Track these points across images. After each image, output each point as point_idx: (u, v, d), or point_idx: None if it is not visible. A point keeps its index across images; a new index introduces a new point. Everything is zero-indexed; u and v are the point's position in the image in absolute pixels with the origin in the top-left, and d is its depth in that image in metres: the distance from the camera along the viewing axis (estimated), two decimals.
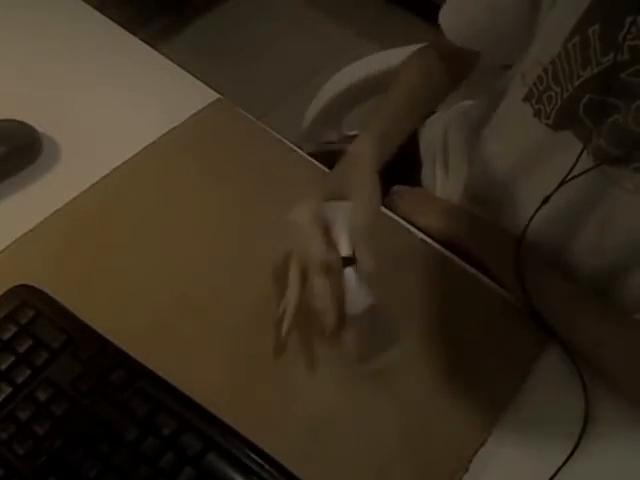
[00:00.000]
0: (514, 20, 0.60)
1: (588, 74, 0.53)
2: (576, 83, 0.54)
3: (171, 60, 0.77)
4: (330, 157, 0.61)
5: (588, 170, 0.53)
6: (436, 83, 0.69)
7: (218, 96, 0.73)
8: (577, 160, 0.53)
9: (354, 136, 0.59)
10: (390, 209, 0.67)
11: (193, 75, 0.75)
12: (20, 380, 0.49)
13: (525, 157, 0.64)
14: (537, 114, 0.59)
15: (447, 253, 0.63)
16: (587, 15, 0.52)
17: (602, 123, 0.54)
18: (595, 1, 0.51)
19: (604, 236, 0.59)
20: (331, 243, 0.51)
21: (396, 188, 0.78)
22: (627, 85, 0.51)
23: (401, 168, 0.86)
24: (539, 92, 0.58)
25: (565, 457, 0.51)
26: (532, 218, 0.56)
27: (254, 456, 0.48)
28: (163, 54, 0.77)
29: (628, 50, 0.50)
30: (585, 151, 0.55)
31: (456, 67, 0.70)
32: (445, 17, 0.66)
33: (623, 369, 0.54)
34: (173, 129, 0.69)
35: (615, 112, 0.52)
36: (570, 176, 0.54)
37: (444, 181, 0.82)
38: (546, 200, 0.56)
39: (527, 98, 0.60)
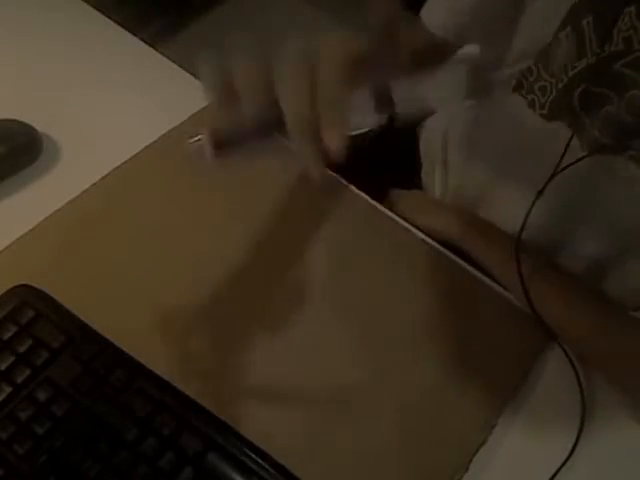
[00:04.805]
0: (498, 11, 0.60)
1: (583, 65, 0.53)
2: (571, 73, 0.54)
3: (171, 60, 0.77)
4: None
5: (579, 160, 0.54)
6: None
7: None
8: (565, 149, 0.53)
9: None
10: (390, 209, 0.67)
11: (193, 75, 0.75)
12: (20, 380, 0.49)
13: (519, 149, 0.64)
14: (531, 105, 0.59)
15: (447, 253, 0.63)
16: (579, 6, 0.52)
17: (595, 114, 0.54)
18: None
19: (603, 226, 0.60)
20: None
21: (394, 192, 0.78)
22: (621, 76, 0.51)
23: (401, 168, 0.86)
24: (529, 83, 0.58)
25: (566, 456, 0.51)
26: (529, 212, 0.56)
27: (254, 456, 0.48)
28: (163, 54, 0.77)
29: (622, 41, 0.50)
30: (580, 143, 0.55)
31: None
32: (428, 10, 0.66)
33: (623, 368, 0.55)
34: (173, 129, 0.69)
35: (608, 103, 0.52)
36: (561, 166, 0.54)
37: (444, 181, 0.82)
38: (540, 192, 0.56)
39: (516, 89, 0.60)
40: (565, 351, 0.55)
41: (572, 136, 0.53)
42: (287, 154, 0.69)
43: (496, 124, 0.67)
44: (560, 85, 0.55)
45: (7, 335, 0.51)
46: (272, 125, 0.40)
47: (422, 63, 0.69)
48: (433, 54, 0.70)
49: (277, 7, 2.05)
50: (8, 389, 0.49)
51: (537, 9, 0.56)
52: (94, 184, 0.64)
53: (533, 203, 0.55)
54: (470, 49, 0.70)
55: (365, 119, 0.46)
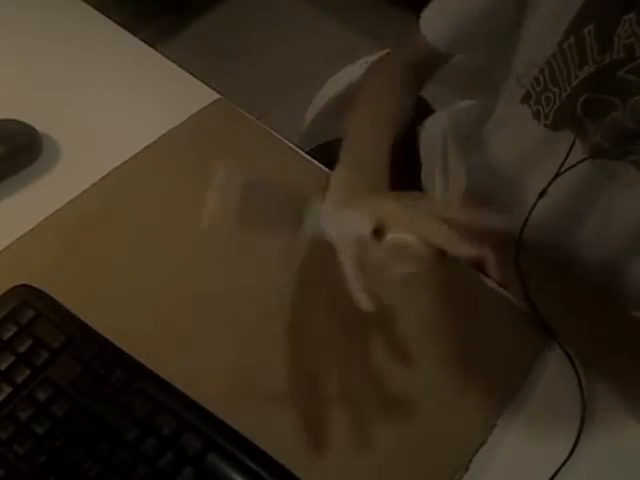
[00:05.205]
0: (500, 21, 0.60)
1: (585, 73, 0.53)
2: (574, 83, 0.54)
3: (171, 60, 0.77)
4: (330, 157, 0.61)
5: (580, 162, 0.54)
6: (402, 94, 0.68)
7: (218, 96, 0.73)
8: (568, 154, 0.53)
9: None
10: None
11: (193, 75, 0.75)
12: (20, 380, 0.49)
13: (524, 157, 0.64)
14: (536, 116, 0.59)
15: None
16: (581, 15, 0.52)
17: (600, 121, 0.54)
18: (589, 1, 0.52)
19: (604, 229, 0.60)
20: None
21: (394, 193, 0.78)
22: (623, 83, 0.51)
23: (401, 169, 0.86)
24: (537, 93, 0.58)
25: (566, 456, 0.51)
26: (530, 213, 0.57)
27: (254, 456, 0.48)
28: (163, 54, 0.77)
29: (623, 48, 0.50)
30: (582, 148, 0.56)
31: (422, 73, 0.70)
32: (427, 22, 0.65)
33: (623, 368, 0.55)
34: (173, 129, 0.69)
35: (612, 109, 0.53)
36: (563, 169, 0.54)
37: (444, 182, 0.82)
38: (542, 194, 0.56)
39: (525, 100, 0.60)
40: (565, 351, 0.55)
41: (575, 140, 0.54)
42: (289, 157, 0.69)
43: (499, 127, 0.68)
44: (564, 95, 0.56)
45: (7, 335, 0.51)
46: None
47: (422, 74, 0.69)
48: (431, 64, 0.70)
49: (277, 7, 2.05)
50: (8, 389, 0.49)
51: (541, 16, 0.56)
52: (94, 184, 0.64)
53: (534, 204, 0.56)
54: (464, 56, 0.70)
55: None
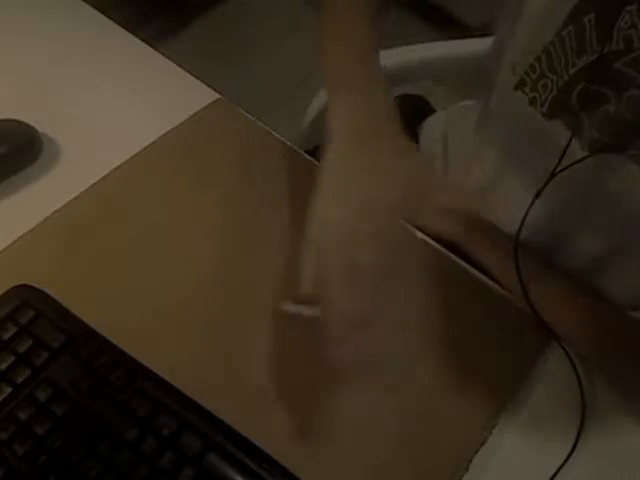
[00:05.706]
0: None
1: (583, 63, 0.53)
2: (571, 71, 0.54)
3: (171, 60, 0.77)
4: None
5: (580, 160, 0.54)
6: None
7: (218, 96, 0.73)
8: (565, 150, 0.53)
9: None
10: None
11: (193, 75, 0.75)
12: (20, 380, 0.49)
13: (520, 150, 0.64)
14: (532, 102, 0.59)
15: (447, 253, 0.63)
16: (582, 4, 0.52)
17: (593, 113, 0.54)
18: None
19: (603, 226, 0.60)
20: None
21: None
22: (620, 74, 0.51)
23: None
24: (532, 80, 0.58)
25: (566, 456, 0.51)
26: (527, 213, 0.56)
27: (254, 456, 0.48)
28: (163, 54, 0.77)
29: (622, 39, 0.50)
30: (579, 142, 0.55)
31: None
32: None
33: (623, 368, 0.55)
34: (173, 129, 0.69)
35: (605, 102, 0.52)
36: (559, 169, 0.54)
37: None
38: (539, 194, 0.56)
39: (519, 86, 0.60)
40: (565, 351, 0.55)
41: (572, 137, 0.54)
42: (289, 157, 0.69)
43: (497, 125, 0.67)
44: (561, 83, 0.55)
45: (7, 335, 0.51)
46: None
47: None
48: None
49: (277, 8, 2.05)
50: (8, 389, 0.49)
51: (539, 5, 0.56)
52: (94, 184, 0.64)
53: (531, 204, 0.56)
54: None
55: None
